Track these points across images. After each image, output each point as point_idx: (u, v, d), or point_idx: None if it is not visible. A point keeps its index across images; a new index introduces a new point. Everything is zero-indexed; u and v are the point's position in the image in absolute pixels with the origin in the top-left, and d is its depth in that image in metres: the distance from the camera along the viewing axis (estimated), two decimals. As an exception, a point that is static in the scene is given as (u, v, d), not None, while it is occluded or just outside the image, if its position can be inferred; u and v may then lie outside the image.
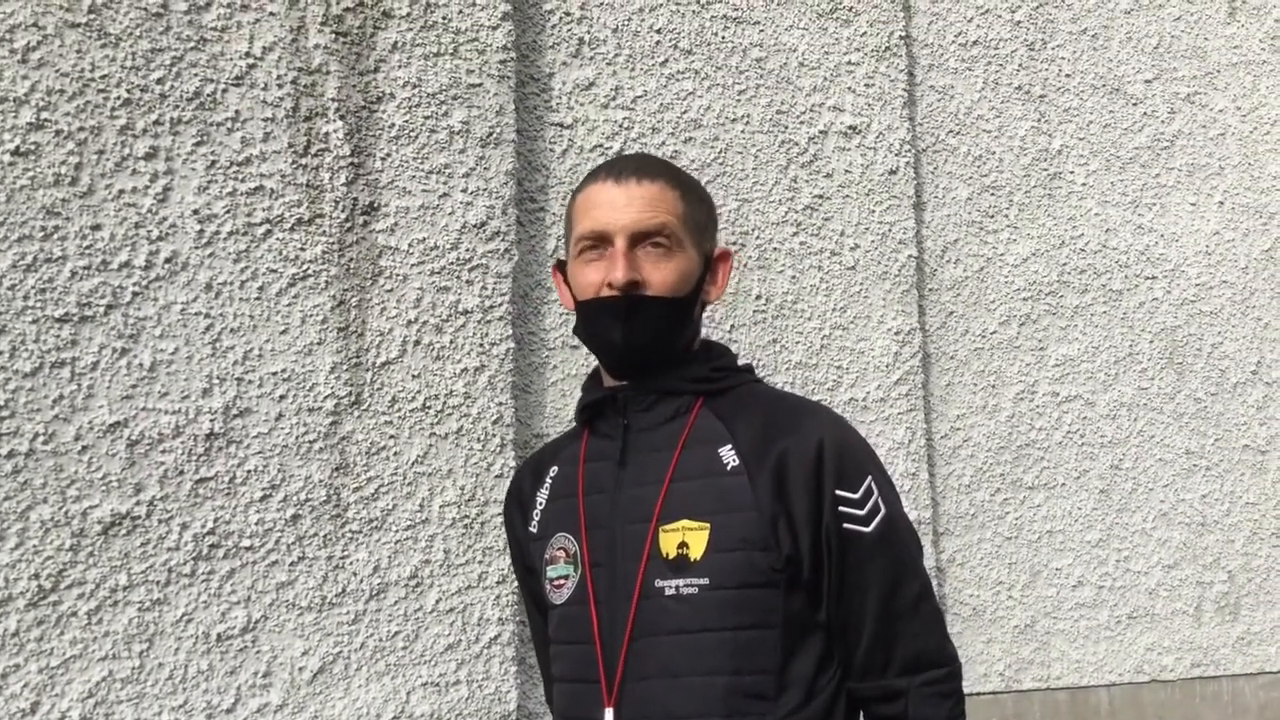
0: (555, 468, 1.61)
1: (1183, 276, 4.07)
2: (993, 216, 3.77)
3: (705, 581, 1.44)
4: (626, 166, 1.53)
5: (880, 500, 1.48)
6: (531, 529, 1.61)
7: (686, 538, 1.45)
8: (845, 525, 1.45)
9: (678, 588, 1.44)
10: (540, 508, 1.60)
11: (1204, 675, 3.91)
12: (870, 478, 1.48)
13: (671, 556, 1.45)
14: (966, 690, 1.55)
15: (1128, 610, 3.80)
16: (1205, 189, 4.16)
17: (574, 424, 1.65)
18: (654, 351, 1.51)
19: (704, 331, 1.65)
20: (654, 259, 1.49)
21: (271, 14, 2.69)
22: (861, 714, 1.52)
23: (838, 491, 1.45)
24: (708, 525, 1.45)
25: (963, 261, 3.70)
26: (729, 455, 1.48)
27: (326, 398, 2.66)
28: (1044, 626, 3.67)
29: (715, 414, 1.52)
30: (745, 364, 1.63)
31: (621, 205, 1.49)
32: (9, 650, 2.33)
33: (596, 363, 1.60)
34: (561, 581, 1.53)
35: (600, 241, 1.50)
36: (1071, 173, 3.92)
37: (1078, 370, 3.84)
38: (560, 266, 1.60)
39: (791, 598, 1.45)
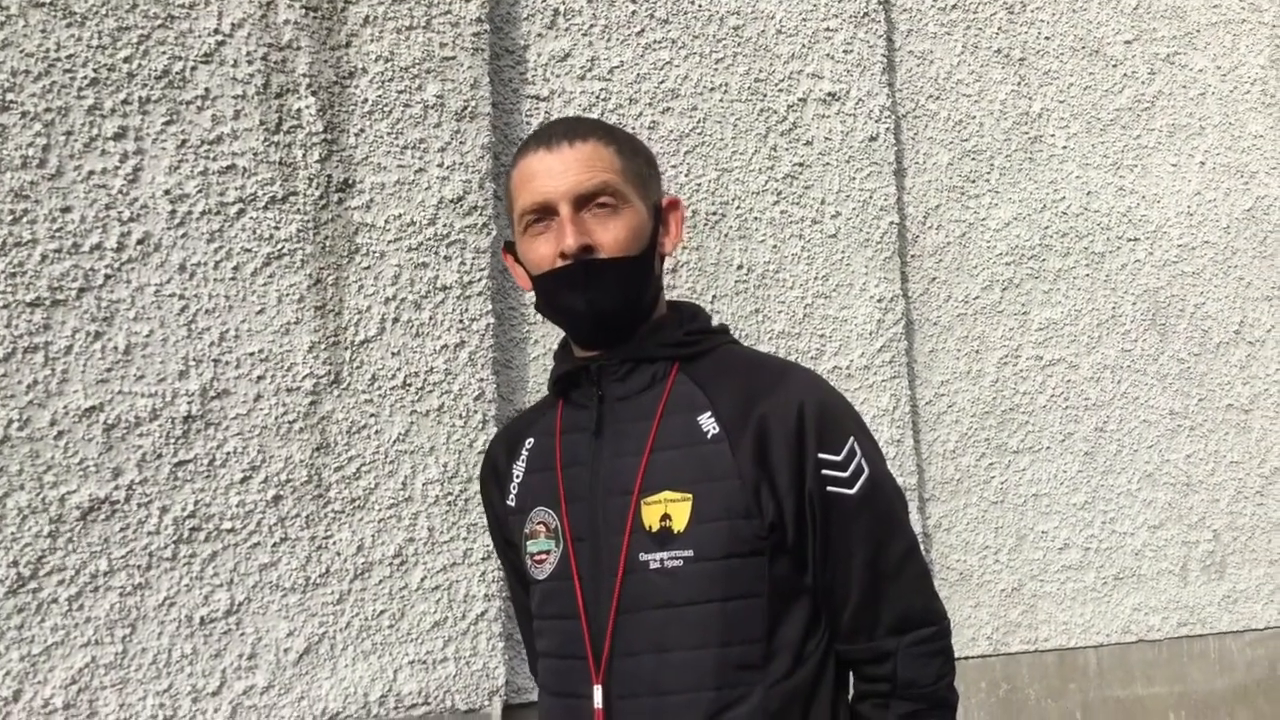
0: (531, 439, 1.58)
1: (1165, 237, 4.06)
2: (974, 181, 3.75)
3: (690, 553, 1.42)
4: (556, 131, 1.49)
5: (863, 461, 1.46)
6: (509, 502, 1.59)
7: (669, 509, 1.43)
8: (828, 488, 1.44)
9: (662, 561, 1.42)
10: (517, 480, 1.58)
11: (1191, 634, 3.93)
12: (852, 438, 1.46)
13: (655, 529, 1.43)
14: (955, 655, 1.54)
15: (1114, 571, 3.81)
16: (1186, 149, 4.14)
17: (546, 394, 1.63)
18: (621, 314, 1.48)
19: (677, 296, 1.62)
20: (601, 220, 1.46)
21: (239, -11, 2.64)
22: (851, 675, 1.51)
23: (820, 454, 1.44)
24: (690, 496, 1.43)
25: (944, 227, 3.69)
26: (709, 423, 1.46)
27: (305, 377, 2.64)
28: (1031, 589, 3.67)
29: (693, 380, 1.49)
30: (720, 324, 1.60)
31: (558, 172, 1.45)
32: (-10, 639, 2.31)
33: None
34: (543, 556, 1.51)
35: (544, 213, 1.47)
36: (1052, 135, 3.90)
37: (1061, 333, 3.83)
38: (510, 248, 1.57)
39: (777, 564, 1.44)
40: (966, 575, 3.59)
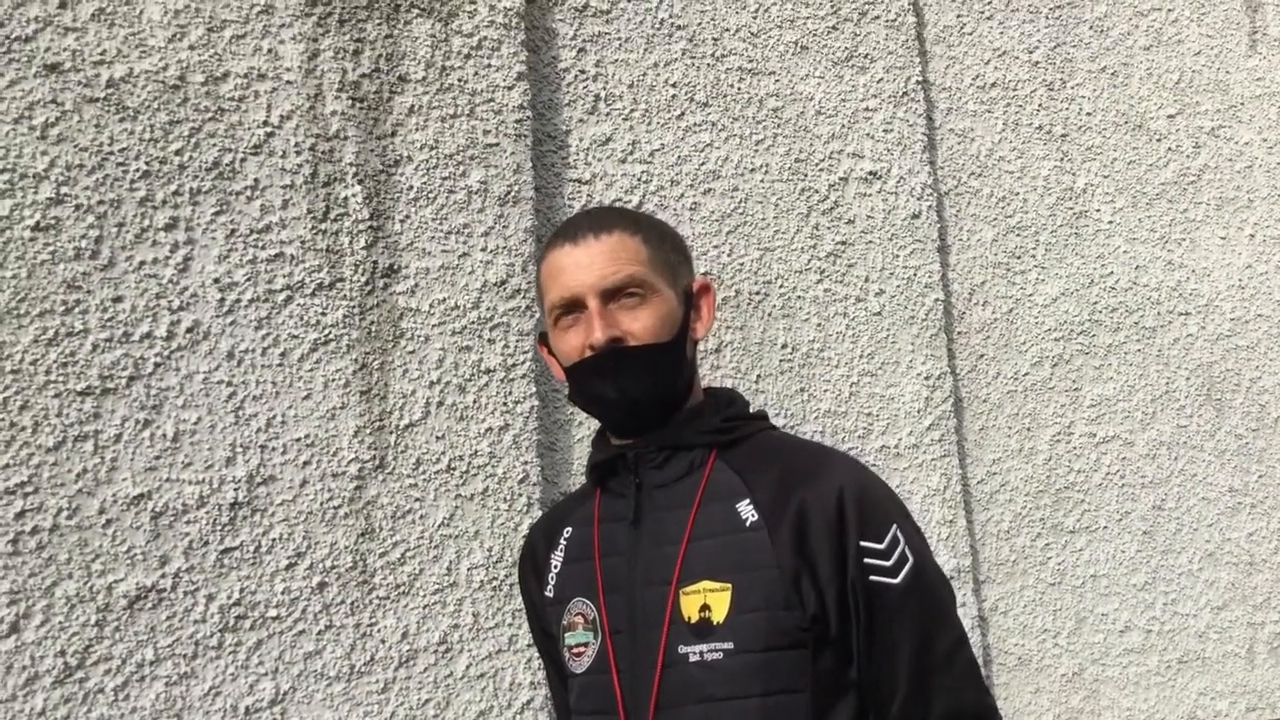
0: (569, 529, 1.56)
1: (1217, 311, 4.00)
2: (1019, 257, 3.73)
3: (730, 646, 1.38)
4: (581, 225, 1.50)
5: (907, 549, 1.42)
6: (547, 593, 1.56)
7: (708, 600, 1.40)
8: (871, 578, 1.40)
9: (702, 654, 1.39)
10: (555, 570, 1.56)
11: (1259, 719, 3.79)
12: (895, 525, 1.43)
13: (694, 620, 1.40)
14: (1008, 748, 1.49)
15: (1178, 654, 3.70)
16: (1235, 222, 4.10)
17: (585, 481, 1.62)
18: (653, 401, 1.47)
19: (726, 383, 1.61)
20: (630, 310, 1.45)
21: (289, 82, 2.71)
22: None
23: (862, 543, 1.40)
24: (729, 586, 1.40)
25: (991, 303, 3.66)
26: (747, 510, 1.43)
27: (350, 462, 2.64)
28: (1092, 674, 3.57)
29: (731, 467, 1.47)
30: (759, 410, 1.58)
31: (585, 265, 1.46)
32: (35, 729, 2.31)
33: None
34: (581, 649, 1.48)
35: (573, 306, 1.47)
36: (1098, 210, 3.87)
37: (1114, 410, 3.77)
38: (544, 339, 1.57)
39: (820, 657, 1.40)
40: (1025, 660, 3.49)
